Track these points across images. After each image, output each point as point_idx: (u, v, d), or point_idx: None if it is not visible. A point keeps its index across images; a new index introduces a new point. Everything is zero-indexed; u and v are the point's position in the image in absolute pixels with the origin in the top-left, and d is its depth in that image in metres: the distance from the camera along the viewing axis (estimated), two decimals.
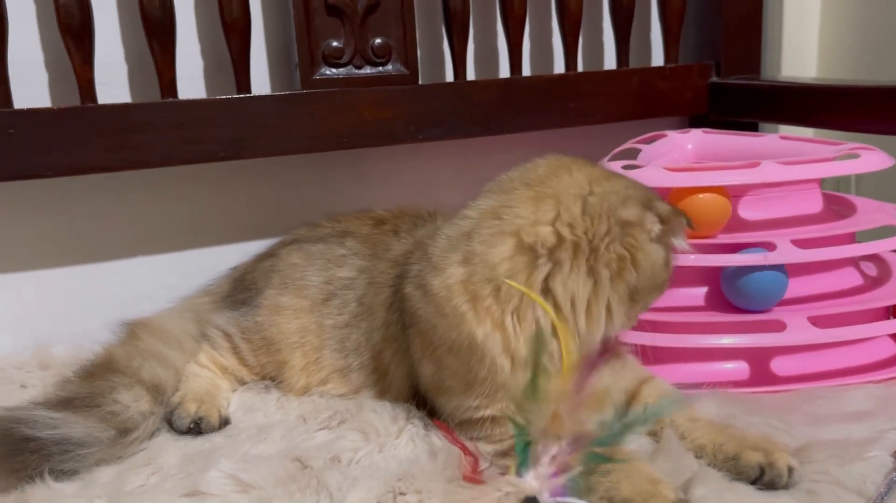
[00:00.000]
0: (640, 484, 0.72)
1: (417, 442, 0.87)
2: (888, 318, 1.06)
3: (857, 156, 1.02)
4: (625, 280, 0.80)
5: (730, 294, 1.01)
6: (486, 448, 0.84)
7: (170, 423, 0.93)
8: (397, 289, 0.94)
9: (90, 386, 0.89)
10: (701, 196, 0.98)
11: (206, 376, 1.01)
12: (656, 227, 0.81)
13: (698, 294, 1.04)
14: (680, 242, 0.83)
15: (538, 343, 0.76)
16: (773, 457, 0.76)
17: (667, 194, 1.02)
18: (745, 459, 0.77)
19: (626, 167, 1.05)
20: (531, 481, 0.67)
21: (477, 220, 0.85)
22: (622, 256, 0.80)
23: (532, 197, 0.83)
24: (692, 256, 0.97)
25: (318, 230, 1.15)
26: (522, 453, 0.69)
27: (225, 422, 0.94)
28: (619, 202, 0.81)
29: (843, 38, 1.63)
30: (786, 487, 0.75)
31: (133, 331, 1.06)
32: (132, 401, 0.89)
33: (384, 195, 1.38)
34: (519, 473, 0.69)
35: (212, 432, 0.92)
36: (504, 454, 0.82)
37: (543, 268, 0.80)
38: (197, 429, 0.92)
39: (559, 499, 0.67)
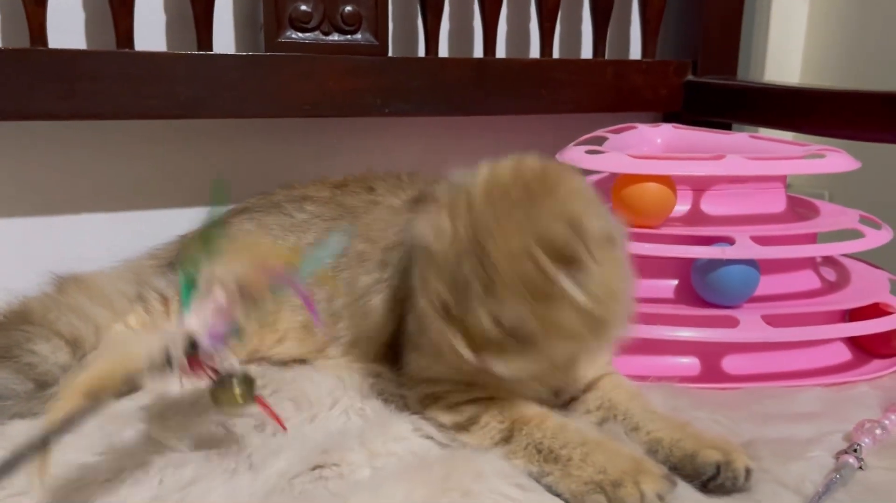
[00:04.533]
0: (623, 462, 0.69)
1: (351, 415, 0.84)
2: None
3: (822, 156, 1.00)
4: None
5: (700, 288, 0.99)
6: (443, 419, 0.80)
7: None
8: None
9: (4, 337, 0.85)
10: (645, 185, 0.95)
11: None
12: None
13: (667, 286, 1.02)
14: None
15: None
16: (731, 456, 0.72)
17: (613, 183, 1.00)
18: (703, 457, 0.72)
19: (589, 152, 1.02)
20: (191, 322, 0.67)
21: None
22: None
23: None
24: (648, 245, 0.95)
25: (272, 197, 1.11)
26: (186, 296, 0.69)
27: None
28: None
29: (828, 47, 1.62)
30: (740, 490, 0.71)
31: (62, 284, 1.02)
32: (50, 353, 0.86)
33: (346, 169, 1.33)
34: (181, 315, 0.68)
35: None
36: (463, 428, 0.78)
37: None
38: None
39: (218, 345, 0.67)
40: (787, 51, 1.67)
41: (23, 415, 0.81)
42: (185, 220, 1.19)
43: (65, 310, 0.94)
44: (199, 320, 0.67)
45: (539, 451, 0.73)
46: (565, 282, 0.66)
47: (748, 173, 0.97)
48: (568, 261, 0.67)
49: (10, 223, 1.21)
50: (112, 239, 1.21)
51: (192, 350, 0.66)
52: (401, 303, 0.87)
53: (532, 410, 0.78)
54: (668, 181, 0.96)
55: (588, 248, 0.67)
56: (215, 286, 0.67)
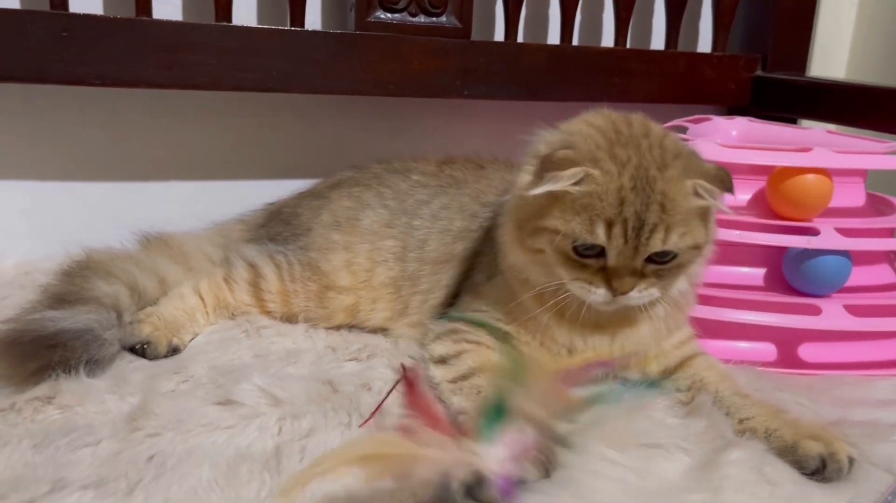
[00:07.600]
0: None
1: None
2: None
3: None
4: None
5: (791, 276, 1.00)
6: (437, 350, 0.87)
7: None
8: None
9: (69, 283, 0.91)
10: (806, 177, 0.96)
11: (189, 304, 0.98)
12: None
13: (757, 275, 1.03)
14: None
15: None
16: (834, 447, 0.73)
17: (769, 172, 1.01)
18: (804, 449, 0.73)
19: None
20: (491, 457, 0.60)
21: None
22: None
23: None
24: (736, 232, 0.97)
25: (369, 171, 1.13)
26: (489, 422, 0.61)
27: (174, 351, 0.91)
28: None
29: (875, 46, 1.63)
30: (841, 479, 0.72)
31: (146, 241, 1.08)
32: (109, 288, 0.91)
33: (421, 148, 1.37)
34: (479, 440, 0.60)
35: (155, 359, 0.89)
36: (443, 361, 0.85)
37: None
38: (142, 352, 0.89)
39: (508, 495, 0.60)
40: (833, 48, 1.68)
41: (128, 342, 0.89)
42: (268, 191, 1.23)
43: (127, 262, 0.99)
44: (496, 458, 0.59)
45: (478, 393, 0.79)
46: (721, 202, 0.80)
47: (835, 166, 0.99)
48: (728, 187, 0.80)
49: (102, 187, 1.26)
50: (197, 207, 1.25)
51: (477, 489, 0.58)
52: (474, 255, 0.92)
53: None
54: (827, 174, 0.97)
55: None
56: (526, 426, 0.62)
